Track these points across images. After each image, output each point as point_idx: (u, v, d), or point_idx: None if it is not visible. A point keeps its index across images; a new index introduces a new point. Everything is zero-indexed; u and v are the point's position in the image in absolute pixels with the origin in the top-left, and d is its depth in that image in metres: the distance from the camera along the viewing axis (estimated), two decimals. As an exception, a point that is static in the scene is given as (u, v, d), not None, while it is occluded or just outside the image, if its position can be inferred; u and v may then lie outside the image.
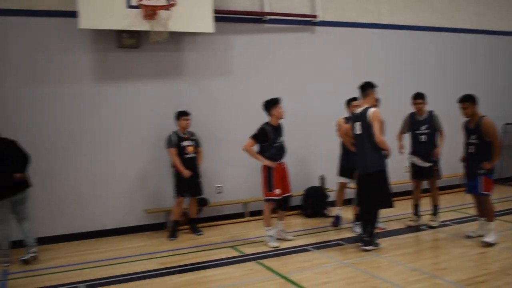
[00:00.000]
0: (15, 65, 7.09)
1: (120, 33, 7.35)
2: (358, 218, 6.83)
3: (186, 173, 7.19)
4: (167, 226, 7.74)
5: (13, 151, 6.36)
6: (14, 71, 7.10)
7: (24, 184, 6.43)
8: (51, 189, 7.27)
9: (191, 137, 7.40)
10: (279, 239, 6.74)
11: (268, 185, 6.56)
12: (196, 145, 7.43)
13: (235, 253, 6.46)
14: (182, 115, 7.34)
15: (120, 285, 5.43)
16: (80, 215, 7.45)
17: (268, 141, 6.53)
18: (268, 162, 6.52)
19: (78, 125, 7.41)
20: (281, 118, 6.64)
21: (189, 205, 7.53)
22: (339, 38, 9.09)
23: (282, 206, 6.80)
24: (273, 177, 6.53)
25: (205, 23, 7.50)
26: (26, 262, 6.32)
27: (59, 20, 7.20)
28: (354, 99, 6.87)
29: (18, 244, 6.56)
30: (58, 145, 7.32)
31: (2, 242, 6.36)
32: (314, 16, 8.80)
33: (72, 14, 6.89)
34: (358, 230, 6.84)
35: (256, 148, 6.61)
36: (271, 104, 6.59)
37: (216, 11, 7.64)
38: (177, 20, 7.21)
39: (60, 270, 6.09)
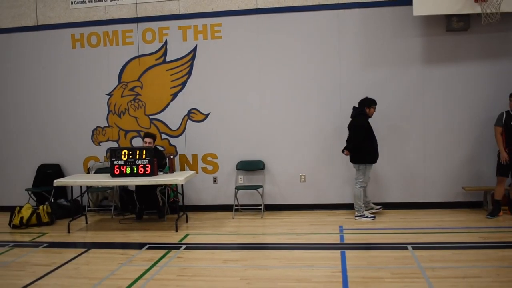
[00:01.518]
0: (350, 51, 8.16)
1: (449, 17, 7.67)
2: None
3: (504, 155, 7.20)
4: (484, 205, 7.87)
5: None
6: (349, 56, 8.17)
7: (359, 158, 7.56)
8: (391, 164, 8.18)
9: None
10: None
11: None
12: None
13: None
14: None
15: (443, 251, 5.93)
16: (410, 187, 8.20)
17: None
18: None
19: (407, 105, 8.08)
20: None
21: (511, 185, 7.46)
22: None
23: None
24: None
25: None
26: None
27: (394, 9, 7.97)
28: None
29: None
30: (396, 122, 8.13)
31: (359, 199, 7.64)
32: None
33: (405, 3, 7.68)
34: None
35: None
36: None
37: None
38: (510, 1, 7.13)
39: (389, 232, 6.95)
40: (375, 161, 7.61)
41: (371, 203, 7.90)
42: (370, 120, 7.60)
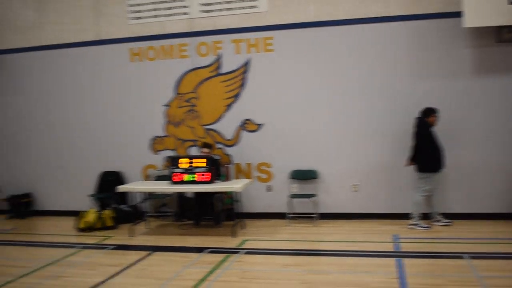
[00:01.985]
0: (403, 61, 8.29)
1: (499, 28, 7.74)
2: None
3: None
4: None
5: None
6: (402, 66, 8.30)
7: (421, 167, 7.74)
8: (446, 174, 8.12)
9: None
10: None
11: None
12: None
13: None
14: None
15: (499, 261, 5.99)
16: (466, 197, 8.18)
17: None
18: None
19: (464, 115, 8.11)
20: None
21: None
22: None
23: None
24: None
25: None
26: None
27: (443, 21, 8.07)
28: None
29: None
30: (451, 131, 8.09)
31: (418, 207, 7.79)
32: None
33: (455, 15, 7.76)
34: None
35: None
36: None
37: None
38: None
39: (443, 241, 7.05)
40: (436, 171, 7.68)
41: (437, 215, 7.90)
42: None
